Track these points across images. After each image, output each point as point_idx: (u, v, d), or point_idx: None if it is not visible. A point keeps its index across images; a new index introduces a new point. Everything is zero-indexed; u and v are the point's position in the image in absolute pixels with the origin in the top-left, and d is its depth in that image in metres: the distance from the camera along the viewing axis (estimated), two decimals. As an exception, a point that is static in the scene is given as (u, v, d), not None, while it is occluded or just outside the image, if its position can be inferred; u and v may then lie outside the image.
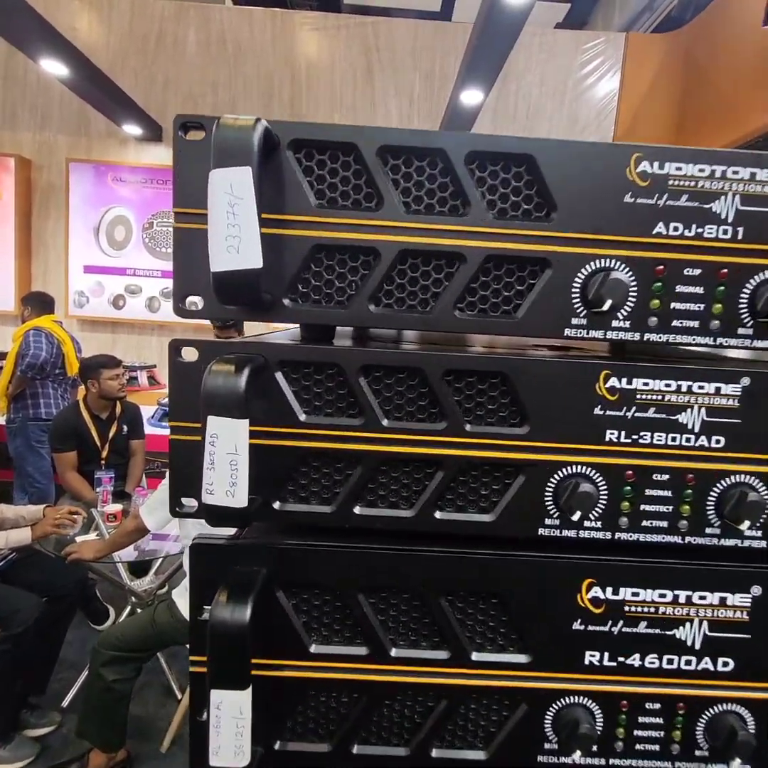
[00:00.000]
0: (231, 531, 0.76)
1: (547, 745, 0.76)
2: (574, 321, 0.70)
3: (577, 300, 0.70)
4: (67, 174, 5.35)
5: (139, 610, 3.16)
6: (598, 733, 0.74)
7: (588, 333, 0.70)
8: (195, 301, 0.70)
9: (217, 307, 0.68)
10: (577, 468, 0.71)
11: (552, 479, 0.72)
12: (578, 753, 0.73)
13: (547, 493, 0.72)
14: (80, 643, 3.36)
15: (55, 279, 5.57)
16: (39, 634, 2.68)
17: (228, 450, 0.61)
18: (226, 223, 0.58)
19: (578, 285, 0.69)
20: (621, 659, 0.74)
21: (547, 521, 0.72)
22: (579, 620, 0.74)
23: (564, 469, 0.71)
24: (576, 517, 0.69)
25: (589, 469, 0.71)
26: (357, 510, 0.73)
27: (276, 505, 0.72)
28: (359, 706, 0.75)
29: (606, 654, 0.74)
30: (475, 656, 0.75)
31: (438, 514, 0.73)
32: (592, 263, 0.69)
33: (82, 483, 3.70)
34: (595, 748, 0.75)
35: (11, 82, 5.31)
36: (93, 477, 3.66)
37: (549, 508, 0.72)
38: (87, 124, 5.40)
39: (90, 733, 2.54)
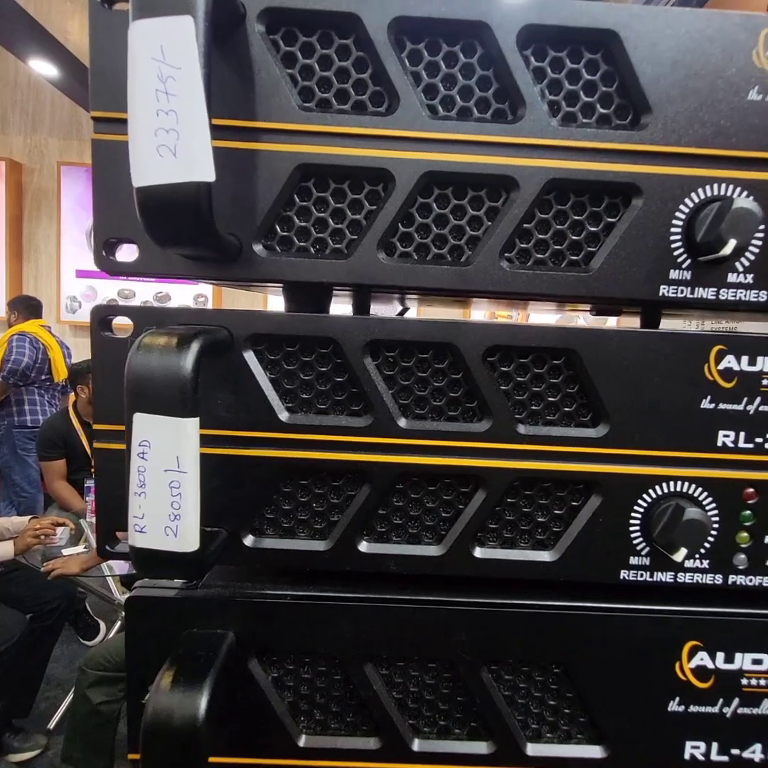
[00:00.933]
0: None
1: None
2: (674, 274, 0.47)
3: (679, 244, 0.47)
4: (58, 177, 5.09)
5: (128, 626, 2.93)
6: None
7: (693, 292, 0.47)
8: (126, 249, 0.46)
9: (156, 256, 0.45)
10: (676, 485, 0.49)
11: (640, 501, 0.49)
12: None
13: (633, 521, 0.49)
14: (68, 660, 3.14)
15: (47, 284, 5.31)
16: (23, 653, 2.49)
17: (166, 465, 0.38)
18: (154, 109, 0.35)
19: (681, 221, 0.47)
20: (736, 752, 0.51)
21: (633, 561, 0.50)
22: (677, 699, 0.51)
23: (657, 487, 0.49)
24: (679, 556, 0.47)
25: (694, 486, 0.49)
26: (363, 546, 0.50)
27: (247, 540, 0.49)
28: None
29: (715, 745, 0.51)
30: (530, 750, 0.52)
31: (477, 552, 0.50)
32: (702, 189, 0.46)
33: (70, 492, 3.47)
34: None
35: (2, 84, 5.06)
36: (82, 485, 3.43)
37: (636, 541, 0.49)
38: (79, 127, 5.14)
39: (75, 758, 2.32)
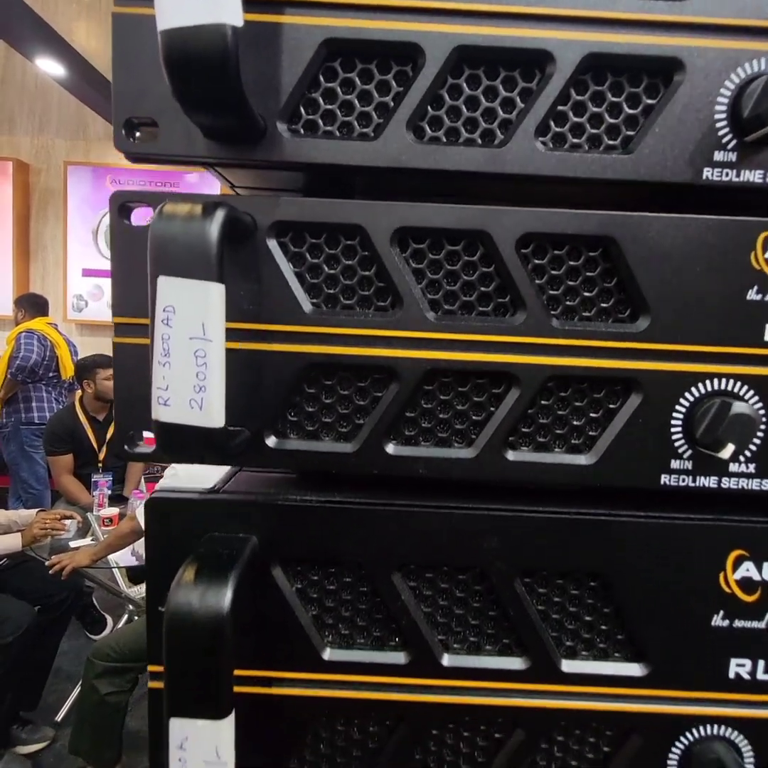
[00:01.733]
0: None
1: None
2: (719, 156, 0.45)
3: (723, 120, 0.45)
4: (65, 177, 5.10)
5: (136, 619, 2.90)
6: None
7: (739, 175, 0.45)
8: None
9: (177, 137, 0.44)
10: (721, 382, 0.46)
11: (682, 400, 0.46)
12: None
13: (674, 422, 0.47)
14: (76, 654, 3.11)
15: (54, 283, 5.31)
16: (31, 645, 2.45)
17: (191, 332, 0.36)
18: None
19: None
20: (784, 669, 0.49)
21: (675, 464, 0.47)
22: (721, 613, 0.48)
23: (701, 384, 0.46)
24: (726, 452, 0.44)
25: (740, 383, 0.46)
26: (390, 449, 0.47)
27: (270, 441, 0.46)
28: (395, 739, 0.50)
29: (761, 663, 0.49)
30: (565, 666, 0.49)
31: (510, 455, 0.47)
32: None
33: (77, 486, 3.45)
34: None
35: (9, 85, 5.08)
36: (89, 480, 3.40)
37: (678, 443, 0.47)
38: (85, 127, 5.15)
39: (83, 749, 2.30)
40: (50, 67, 4.03)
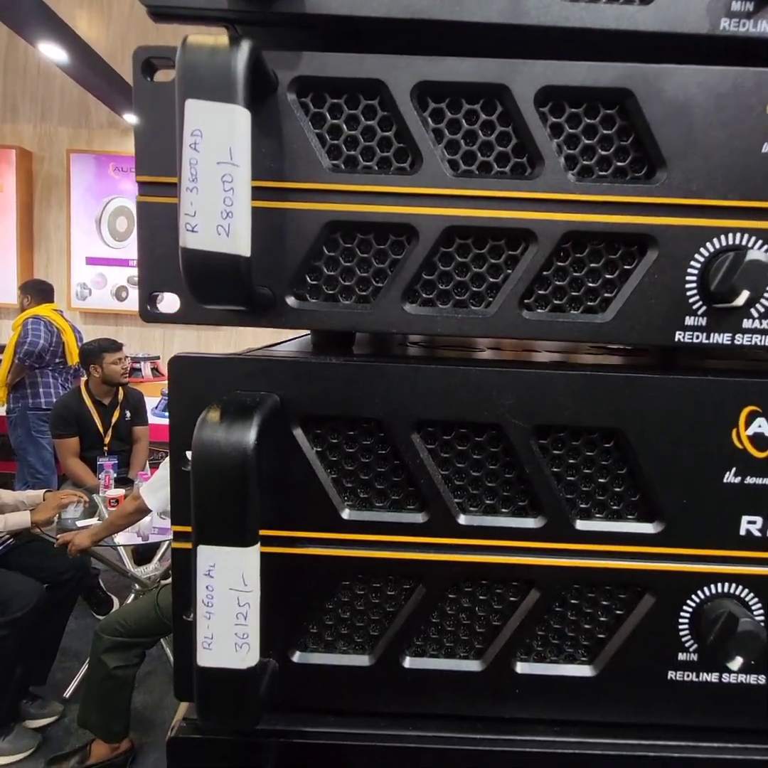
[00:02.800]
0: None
1: (681, 656, 0.51)
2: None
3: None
4: (68, 165, 5.12)
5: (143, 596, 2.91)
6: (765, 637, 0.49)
7: (756, 26, 0.45)
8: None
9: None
10: (737, 236, 0.47)
11: (698, 254, 0.47)
12: (738, 660, 0.47)
13: (689, 277, 0.47)
14: (83, 633, 3.12)
15: (58, 271, 5.33)
16: (39, 621, 2.47)
17: (218, 157, 0.37)
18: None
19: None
20: (796, 525, 0.49)
21: (689, 321, 0.48)
22: (733, 469, 0.49)
23: (716, 239, 0.47)
24: (741, 299, 0.45)
25: (756, 237, 0.47)
26: (408, 308, 0.48)
27: (290, 301, 0.47)
28: (412, 599, 0.51)
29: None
30: (579, 525, 0.50)
31: (526, 314, 0.48)
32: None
33: (83, 469, 3.47)
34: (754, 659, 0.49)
35: (11, 73, 5.10)
36: (95, 463, 3.42)
37: (693, 300, 0.47)
38: (88, 115, 5.17)
39: (92, 722, 2.31)
40: (53, 52, 4.03)
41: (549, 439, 0.50)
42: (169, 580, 2.26)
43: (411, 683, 0.51)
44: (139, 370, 5.05)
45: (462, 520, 0.49)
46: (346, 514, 0.49)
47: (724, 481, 0.49)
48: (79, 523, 2.85)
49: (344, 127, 0.47)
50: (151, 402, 4.17)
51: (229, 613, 0.40)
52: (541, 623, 0.51)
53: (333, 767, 0.50)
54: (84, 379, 3.62)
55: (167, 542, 3.04)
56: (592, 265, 0.48)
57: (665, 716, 0.51)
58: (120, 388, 3.61)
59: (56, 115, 5.19)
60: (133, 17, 5.06)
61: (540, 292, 0.49)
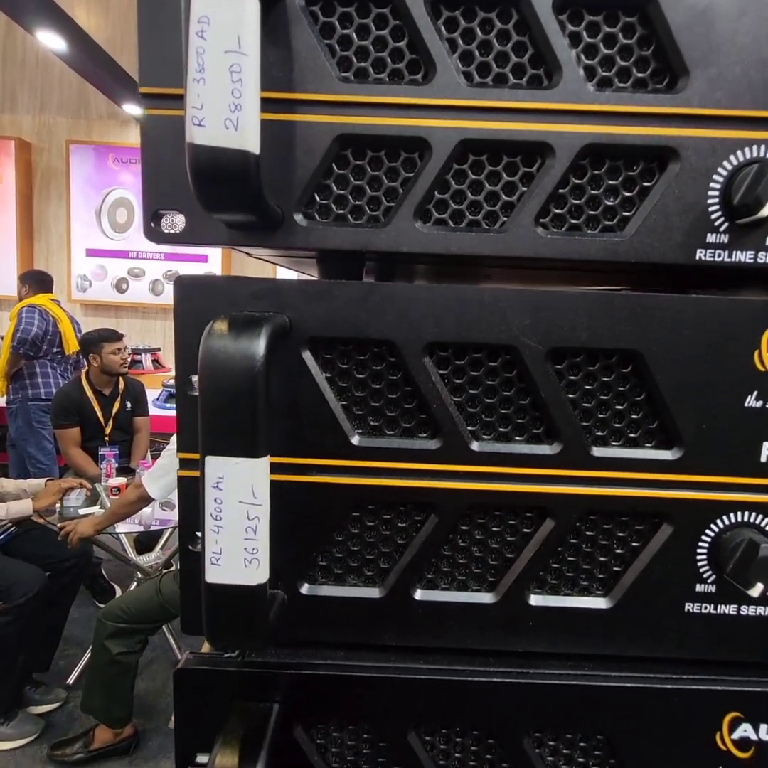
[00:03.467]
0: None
1: (699, 587, 0.50)
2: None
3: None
4: (67, 156, 5.09)
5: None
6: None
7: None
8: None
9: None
10: (761, 150, 0.45)
11: (720, 169, 0.45)
12: (758, 587, 0.46)
13: (712, 191, 0.46)
14: (86, 621, 3.12)
15: (58, 263, 5.30)
16: (42, 608, 2.47)
17: (227, 45, 0.35)
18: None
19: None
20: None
21: (711, 238, 0.46)
22: (754, 393, 0.48)
23: (739, 152, 0.45)
24: (766, 210, 0.43)
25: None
26: (420, 227, 0.46)
27: (298, 218, 0.46)
28: (424, 529, 0.49)
29: None
30: (596, 452, 0.49)
31: (541, 232, 0.46)
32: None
33: (85, 459, 3.46)
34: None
35: (10, 63, 5.07)
36: (96, 454, 3.41)
37: (715, 216, 0.46)
38: (87, 106, 5.14)
39: (95, 707, 2.32)
40: (51, 40, 4.01)
41: (565, 364, 0.48)
42: (172, 568, 2.27)
43: (422, 616, 0.50)
44: (140, 361, 5.03)
45: (475, 446, 0.48)
46: (356, 440, 0.48)
47: (745, 405, 0.48)
48: (82, 511, 2.85)
49: (355, 37, 0.45)
50: (153, 394, 4.15)
51: (238, 527, 0.38)
52: (555, 555, 0.50)
53: (342, 700, 0.48)
54: (85, 369, 3.61)
55: (169, 531, 3.04)
56: (610, 182, 0.47)
57: (682, 650, 0.50)
58: (120, 378, 3.60)
59: (55, 106, 5.16)
60: (132, 6, 5.03)
61: (556, 211, 0.47)
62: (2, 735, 2.36)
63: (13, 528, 2.65)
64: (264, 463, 0.39)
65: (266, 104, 0.43)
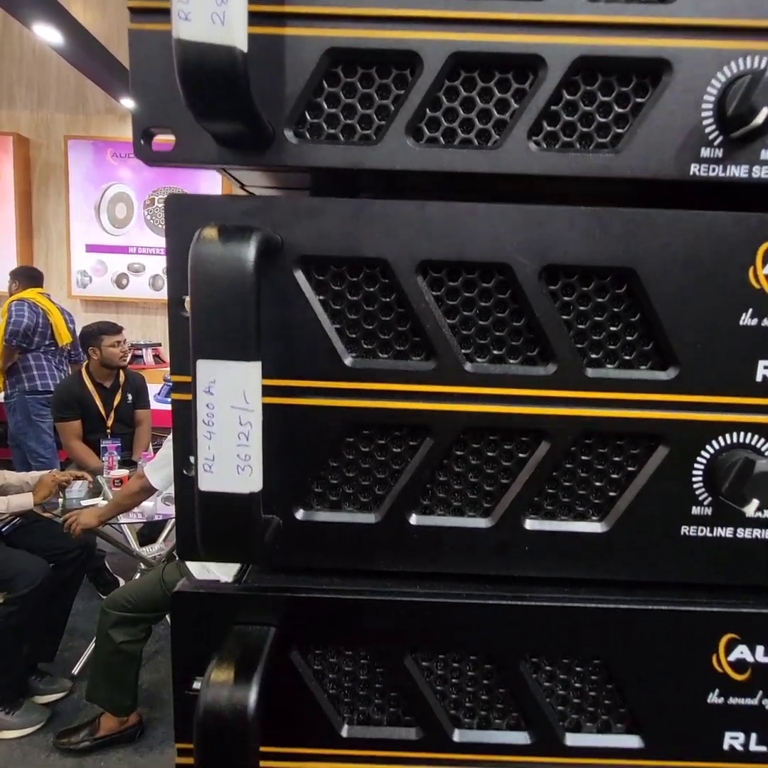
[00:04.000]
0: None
1: (695, 510, 0.50)
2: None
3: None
4: (65, 151, 5.10)
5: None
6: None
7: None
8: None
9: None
10: (761, 60, 0.45)
11: (714, 81, 0.45)
12: (754, 503, 0.46)
13: (705, 107, 0.46)
14: (90, 614, 3.12)
15: (58, 259, 5.31)
16: (46, 599, 2.48)
17: None
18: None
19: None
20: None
21: (705, 152, 0.46)
22: (750, 311, 0.47)
23: (735, 62, 0.45)
24: (761, 115, 0.43)
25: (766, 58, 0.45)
26: (411, 144, 0.46)
27: (289, 136, 0.46)
28: (419, 452, 0.49)
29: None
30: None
31: (533, 148, 0.46)
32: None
33: (87, 452, 3.46)
34: None
35: (7, 59, 5.07)
36: (98, 447, 3.41)
37: (709, 130, 0.46)
38: (85, 101, 5.15)
39: (100, 696, 2.33)
40: (48, 34, 4.01)
41: (559, 284, 0.48)
42: (175, 558, 2.26)
43: (418, 541, 0.50)
44: (141, 357, 5.04)
45: (469, 367, 0.48)
46: (349, 361, 0.48)
47: (741, 323, 0.47)
48: (85, 503, 2.85)
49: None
50: (154, 389, 4.16)
51: (230, 432, 0.38)
52: (551, 479, 0.50)
53: (339, 624, 0.49)
54: (85, 362, 3.62)
55: (172, 522, 3.04)
56: (603, 98, 0.47)
57: (678, 574, 0.50)
58: (121, 371, 3.61)
59: (53, 101, 5.17)
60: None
61: (549, 128, 0.47)
62: (8, 724, 2.37)
63: (17, 520, 2.66)
64: (256, 367, 0.39)
65: (256, 18, 0.43)
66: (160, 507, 2.88)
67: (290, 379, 0.48)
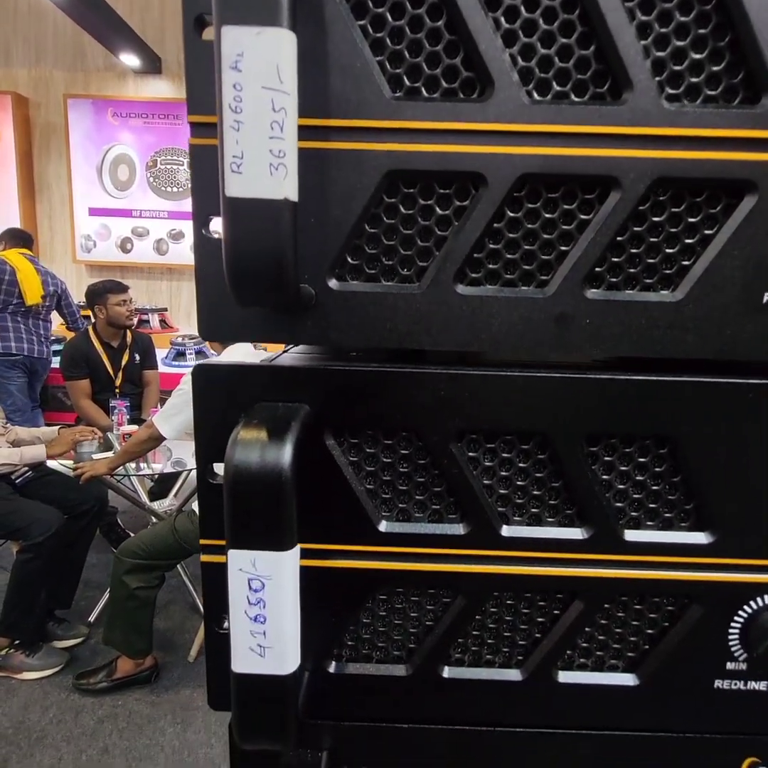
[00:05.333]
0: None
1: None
2: None
3: None
4: (65, 111, 4.74)
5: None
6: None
7: None
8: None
9: None
10: None
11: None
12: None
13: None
14: (104, 566, 3.12)
15: (61, 223, 5.02)
16: (61, 547, 2.45)
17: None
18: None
19: None
20: None
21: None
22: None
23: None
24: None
25: None
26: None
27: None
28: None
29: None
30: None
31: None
32: None
33: (96, 410, 3.37)
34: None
35: (2, 15, 4.64)
36: (108, 407, 3.31)
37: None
38: (83, 57, 4.75)
39: (115, 639, 2.32)
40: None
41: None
42: (186, 507, 2.21)
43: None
44: (147, 321, 4.85)
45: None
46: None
47: (784, 487, 0.42)
48: (96, 457, 2.79)
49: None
50: (161, 353, 4.03)
51: (262, 119, 0.31)
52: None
53: (379, 402, 0.41)
54: (93, 322, 3.46)
55: (183, 478, 3.00)
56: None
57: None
58: (128, 331, 3.47)
59: (51, 58, 4.77)
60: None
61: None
62: (29, 666, 2.38)
63: (30, 473, 2.60)
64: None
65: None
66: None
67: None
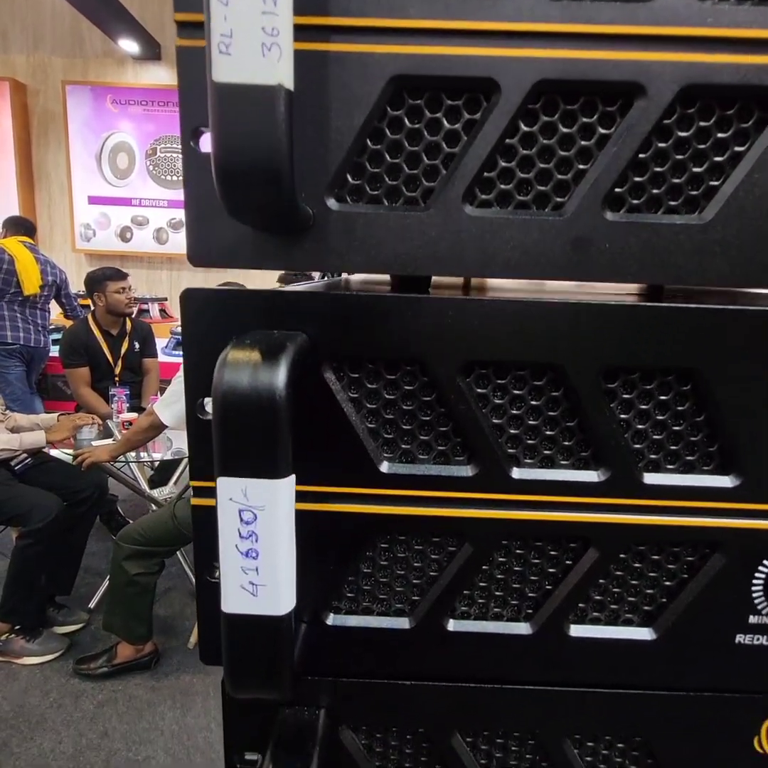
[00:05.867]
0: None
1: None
2: None
3: None
4: (64, 98, 4.68)
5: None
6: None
7: None
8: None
9: None
10: None
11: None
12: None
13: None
14: (104, 554, 3.11)
15: (60, 211, 4.97)
16: (60, 533, 2.44)
17: None
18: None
19: None
20: None
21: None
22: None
23: None
24: None
25: None
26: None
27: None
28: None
29: None
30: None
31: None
32: None
33: (96, 398, 3.34)
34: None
35: (-1, 0, 4.60)
36: (107, 395, 3.29)
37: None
38: (82, 43, 4.68)
39: (115, 625, 2.31)
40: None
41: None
42: (185, 494, 2.20)
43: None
44: (147, 311, 4.81)
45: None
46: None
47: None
48: (95, 444, 2.78)
49: None
50: (161, 342, 3.99)
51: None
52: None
53: (380, 330, 0.38)
54: (92, 310, 3.42)
55: (183, 466, 2.99)
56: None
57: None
58: (127, 319, 3.44)
59: (49, 45, 4.70)
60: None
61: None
62: (29, 651, 2.37)
63: (29, 460, 2.58)
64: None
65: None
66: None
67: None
